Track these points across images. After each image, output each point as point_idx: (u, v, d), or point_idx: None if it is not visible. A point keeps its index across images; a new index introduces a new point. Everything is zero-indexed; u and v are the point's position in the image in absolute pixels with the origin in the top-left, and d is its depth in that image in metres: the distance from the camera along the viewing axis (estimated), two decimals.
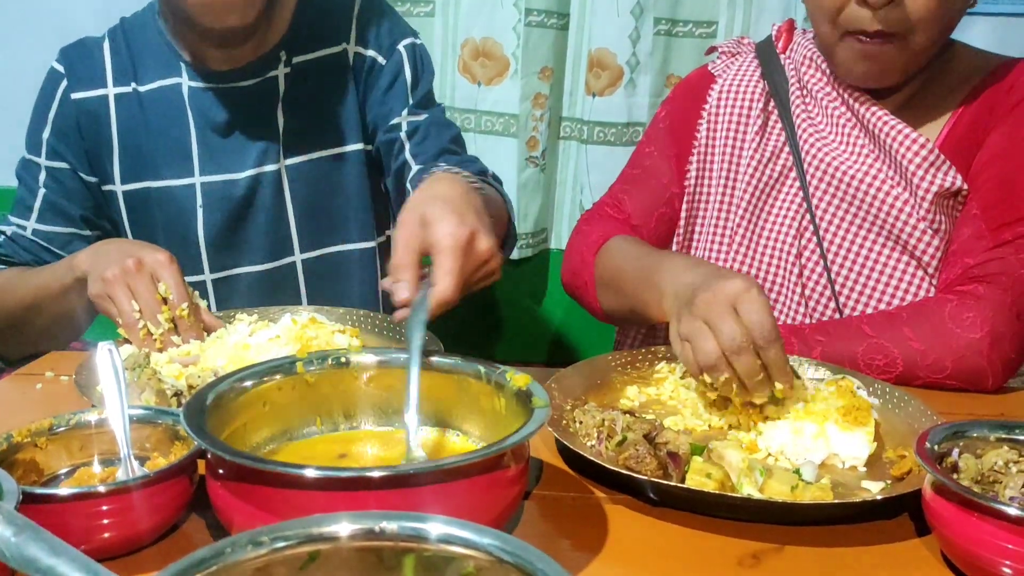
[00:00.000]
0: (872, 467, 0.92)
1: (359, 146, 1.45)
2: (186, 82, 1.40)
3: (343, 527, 0.53)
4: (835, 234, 1.29)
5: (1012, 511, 0.68)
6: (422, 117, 1.41)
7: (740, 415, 0.99)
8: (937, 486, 0.74)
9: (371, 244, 1.49)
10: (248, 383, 0.83)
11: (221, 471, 0.70)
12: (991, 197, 1.21)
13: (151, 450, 0.84)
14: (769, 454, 0.94)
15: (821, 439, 0.93)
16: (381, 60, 1.43)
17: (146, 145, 1.41)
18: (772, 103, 1.37)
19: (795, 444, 0.94)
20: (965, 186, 1.23)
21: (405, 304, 0.89)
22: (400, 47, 1.44)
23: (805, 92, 1.34)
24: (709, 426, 1.01)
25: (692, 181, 1.43)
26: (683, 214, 1.44)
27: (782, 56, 1.39)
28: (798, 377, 1.00)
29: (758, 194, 1.36)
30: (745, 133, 1.38)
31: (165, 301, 1.10)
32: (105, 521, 0.71)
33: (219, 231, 1.43)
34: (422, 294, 0.88)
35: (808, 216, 1.31)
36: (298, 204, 1.44)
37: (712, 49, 1.52)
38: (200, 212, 1.41)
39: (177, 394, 0.99)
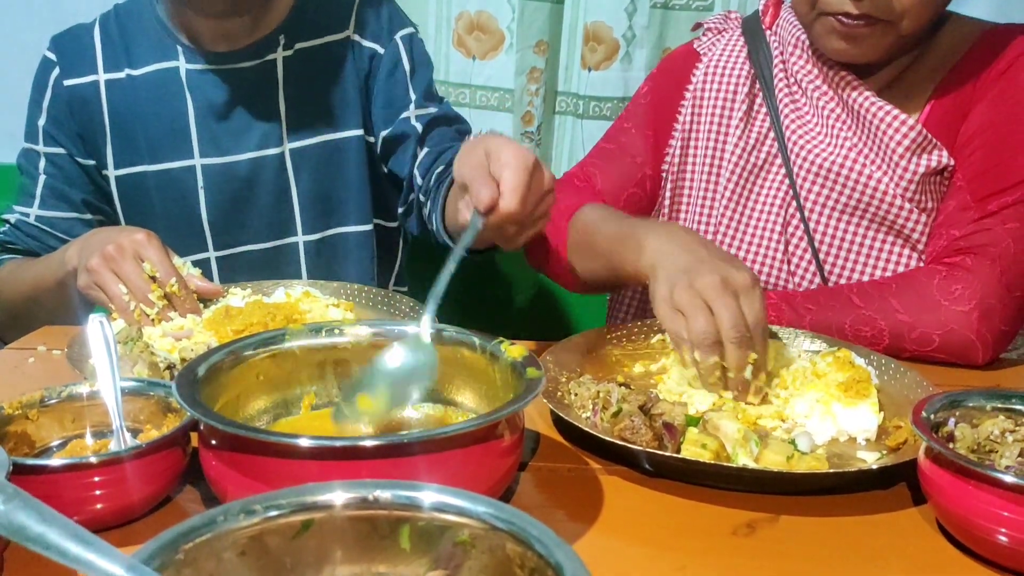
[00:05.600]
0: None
1: (359, 132, 1.46)
2: (183, 65, 1.40)
3: (337, 496, 0.53)
4: (819, 221, 1.27)
5: (1008, 479, 0.68)
6: (431, 110, 1.44)
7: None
8: (933, 455, 0.74)
9: (368, 227, 1.50)
10: (241, 355, 0.83)
11: (214, 442, 0.70)
12: (976, 168, 1.19)
13: (144, 422, 0.83)
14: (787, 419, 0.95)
15: (828, 418, 0.93)
16: (380, 50, 1.44)
17: (141, 130, 1.41)
18: (757, 85, 1.34)
19: (810, 418, 0.94)
20: (952, 162, 1.21)
21: (492, 205, 0.91)
22: (397, 38, 1.45)
23: (790, 76, 1.31)
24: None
25: (675, 164, 1.40)
26: (667, 198, 1.41)
27: (768, 32, 1.35)
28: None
29: (743, 181, 1.33)
30: (731, 118, 1.35)
31: (154, 279, 1.10)
32: (97, 492, 0.71)
33: (223, 211, 1.44)
34: (475, 214, 0.92)
35: (795, 204, 1.28)
36: (302, 187, 1.45)
37: (698, 25, 1.49)
38: (202, 193, 1.43)
39: (170, 367, 0.98)
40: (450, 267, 0.88)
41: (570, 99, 2.05)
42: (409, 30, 1.47)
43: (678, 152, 1.40)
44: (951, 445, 0.77)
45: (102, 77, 1.41)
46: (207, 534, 0.50)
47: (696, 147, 1.39)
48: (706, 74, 1.39)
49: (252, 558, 0.51)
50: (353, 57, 1.44)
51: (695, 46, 1.44)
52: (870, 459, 0.87)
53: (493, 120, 2.01)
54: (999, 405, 0.81)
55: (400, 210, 1.48)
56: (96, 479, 0.71)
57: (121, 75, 1.41)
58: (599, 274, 1.28)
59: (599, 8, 1.95)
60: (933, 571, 0.72)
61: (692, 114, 1.39)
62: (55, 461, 0.72)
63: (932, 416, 0.78)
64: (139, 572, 0.45)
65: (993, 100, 1.19)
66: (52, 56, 1.43)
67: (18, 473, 0.67)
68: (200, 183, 1.42)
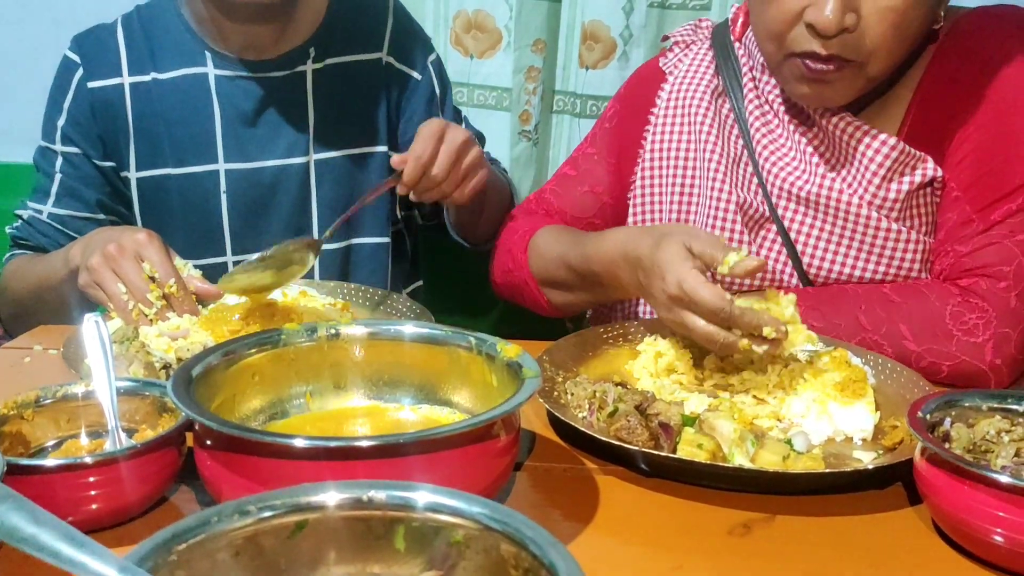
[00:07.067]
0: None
1: (384, 148, 1.50)
2: (212, 71, 1.42)
3: (331, 496, 0.53)
4: (803, 251, 1.21)
5: (1004, 479, 0.68)
6: None
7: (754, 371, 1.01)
8: (929, 455, 0.74)
9: (384, 240, 1.52)
10: (236, 355, 0.83)
11: (209, 442, 0.70)
12: (971, 175, 1.12)
13: (140, 422, 0.83)
14: (784, 419, 0.95)
15: (825, 417, 0.93)
16: (416, 76, 1.51)
17: (165, 133, 1.42)
18: (728, 104, 1.27)
19: (806, 418, 0.94)
20: (939, 172, 1.15)
21: (398, 166, 1.23)
22: (429, 63, 1.52)
23: (761, 96, 1.25)
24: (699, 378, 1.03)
25: (640, 190, 1.34)
26: (635, 223, 1.36)
27: (737, 44, 1.29)
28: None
29: (720, 204, 1.25)
30: (705, 134, 1.28)
31: (153, 280, 1.10)
32: (92, 492, 0.71)
33: (243, 217, 1.45)
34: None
35: (775, 227, 1.22)
36: (322, 197, 1.47)
37: (667, 38, 1.43)
38: (224, 197, 1.44)
39: (166, 367, 0.98)
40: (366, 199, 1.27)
41: (568, 98, 2.04)
42: (436, 54, 1.55)
43: (646, 178, 1.34)
44: (947, 445, 0.77)
45: (127, 79, 1.42)
46: (200, 535, 0.50)
47: (664, 171, 1.32)
48: (670, 96, 1.33)
49: (246, 559, 0.51)
50: (387, 78, 1.49)
51: (660, 64, 1.38)
52: (866, 459, 0.87)
53: (491, 119, 2.00)
54: (995, 405, 0.81)
55: (420, 223, 1.59)
56: (91, 479, 0.70)
57: (147, 78, 1.42)
58: (584, 304, 1.29)
59: (596, 7, 1.94)
60: (928, 571, 0.72)
61: (658, 137, 1.33)
62: (50, 461, 0.72)
63: (928, 416, 0.78)
64: (132, 573, 0.45)
65: (980, 99, 1.13)
66: (75, 57, 1.43)
67: (13, 473, 0.67)
68: (223, 188, 1.43)
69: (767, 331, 0.93)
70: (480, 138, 1.59)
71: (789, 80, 1.15)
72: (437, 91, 1.53)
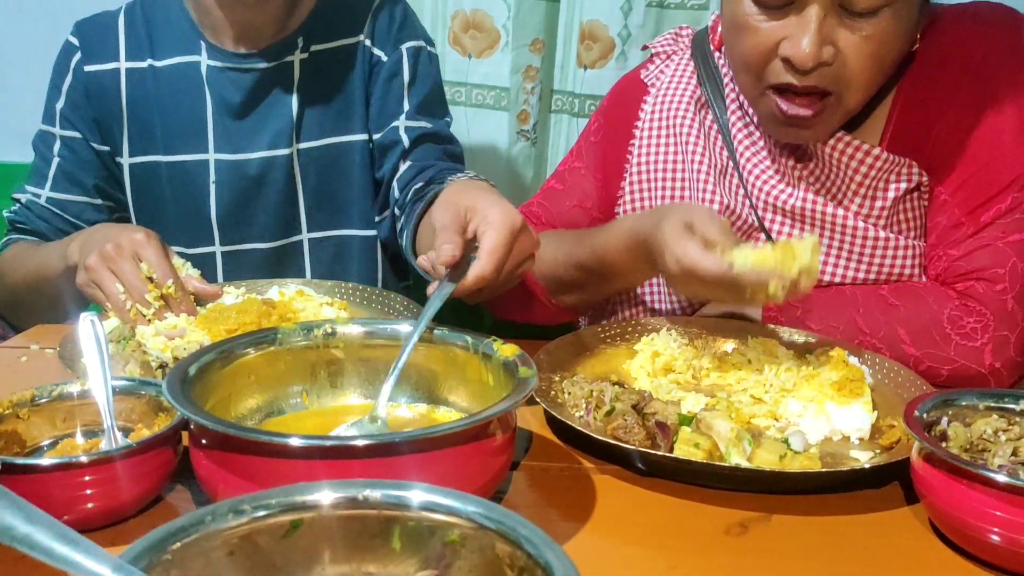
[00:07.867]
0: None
1: (364, 136, 1.48)
2: (205, 60, 1.42)
3: (326, 495, 0.53)
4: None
5: (1000, 478, 0.68)
6: (423, 124, 1.43)
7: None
8: (926, 454, 0.74)
9: (371, 232, 1.51)
10: (233, 354, 0.83)
11: (204, 441, 0.70)
12: (958, 178, 1.11)
13: (136, 421, 0.83)
14: (783, 419, 0.95)
15: (822, 417, 0.93)
16: (384, 57, 1.46)
17: (159, 120, 1.43)
18: (711, 116, 1.26)
19: (803, 417, 0.94)
20: (924, 177, 1.14)
21: (451, 263, 0.88)
22: (403, 47, 1.46)
23: (743, 109, 1.23)
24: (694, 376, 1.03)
25: (629, 203, 1.32)
26: None
27: (717, 54, 1.27)
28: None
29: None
30: (688, 153, 1.27)
31: (152, 280, 1.09)
32: (88, 492, 0.70)
33: (231, 207, 1.45)
34: (444, 281, 0.88)
35: (763, 237, 1.21)
36: (308, 187, 1.47)
37: (646, 47, 1.42)
38: (213, 188, 1.44)
39: (162, 366, 0.98)
40: (414, 339, 0.84)
41: (566, 97, 2.04)
42: (418, 43, 1.48)
43: (634, 189, 1.32)
44: (944, 444, 0.77)
45: (123, 65, 1.43)
46: (195, 534, 0.49)
47: (652, 183, 1.30)
48: (654, 109, 1.31)
49: (241, 558, 0.51)
50: (362, 61, 1.46)
51: (642, 75, 1.36)
52: (863, 458, 0.87)
53: (489, 118, 2.00)
54: (992, 404, 0.81)
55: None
56: (86, 478, 0.70)
57: (143, 64, 1.43)
58: (594, 300, 1.28)
59: (595, 7, 1.94)
60: (925, 570, 0.72)
61: (644, 150, 1.31)
62: (45, 460, 0.71)
63: (925, 415, 0.78)
64: (126, 572, 0.44)
65: (961, 100, 1.11)
66: (75, 41, 1.45)
67: (8, 472, 0.67)
68: (212, 178, 1.44)
69: (772, 287, 0.92)
70: (459, 157, 1.48)
71: (765, 119, 1.15)
72: (405, 77, 1.45)
